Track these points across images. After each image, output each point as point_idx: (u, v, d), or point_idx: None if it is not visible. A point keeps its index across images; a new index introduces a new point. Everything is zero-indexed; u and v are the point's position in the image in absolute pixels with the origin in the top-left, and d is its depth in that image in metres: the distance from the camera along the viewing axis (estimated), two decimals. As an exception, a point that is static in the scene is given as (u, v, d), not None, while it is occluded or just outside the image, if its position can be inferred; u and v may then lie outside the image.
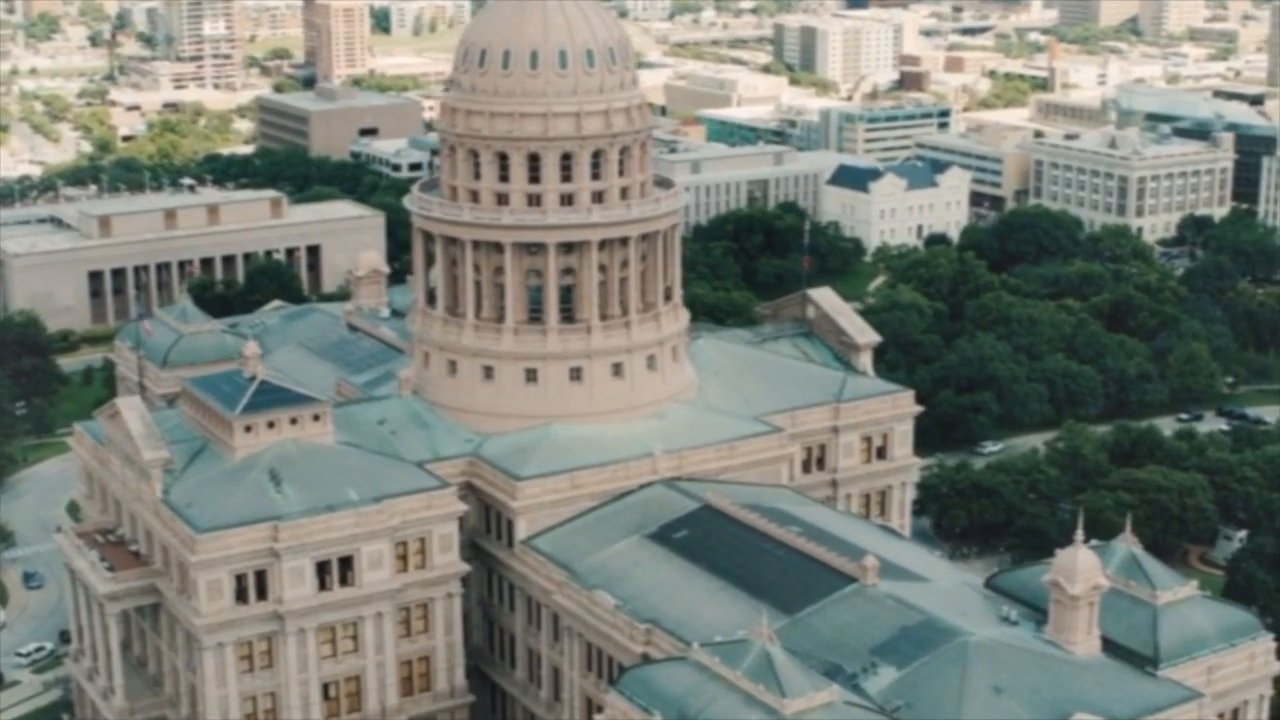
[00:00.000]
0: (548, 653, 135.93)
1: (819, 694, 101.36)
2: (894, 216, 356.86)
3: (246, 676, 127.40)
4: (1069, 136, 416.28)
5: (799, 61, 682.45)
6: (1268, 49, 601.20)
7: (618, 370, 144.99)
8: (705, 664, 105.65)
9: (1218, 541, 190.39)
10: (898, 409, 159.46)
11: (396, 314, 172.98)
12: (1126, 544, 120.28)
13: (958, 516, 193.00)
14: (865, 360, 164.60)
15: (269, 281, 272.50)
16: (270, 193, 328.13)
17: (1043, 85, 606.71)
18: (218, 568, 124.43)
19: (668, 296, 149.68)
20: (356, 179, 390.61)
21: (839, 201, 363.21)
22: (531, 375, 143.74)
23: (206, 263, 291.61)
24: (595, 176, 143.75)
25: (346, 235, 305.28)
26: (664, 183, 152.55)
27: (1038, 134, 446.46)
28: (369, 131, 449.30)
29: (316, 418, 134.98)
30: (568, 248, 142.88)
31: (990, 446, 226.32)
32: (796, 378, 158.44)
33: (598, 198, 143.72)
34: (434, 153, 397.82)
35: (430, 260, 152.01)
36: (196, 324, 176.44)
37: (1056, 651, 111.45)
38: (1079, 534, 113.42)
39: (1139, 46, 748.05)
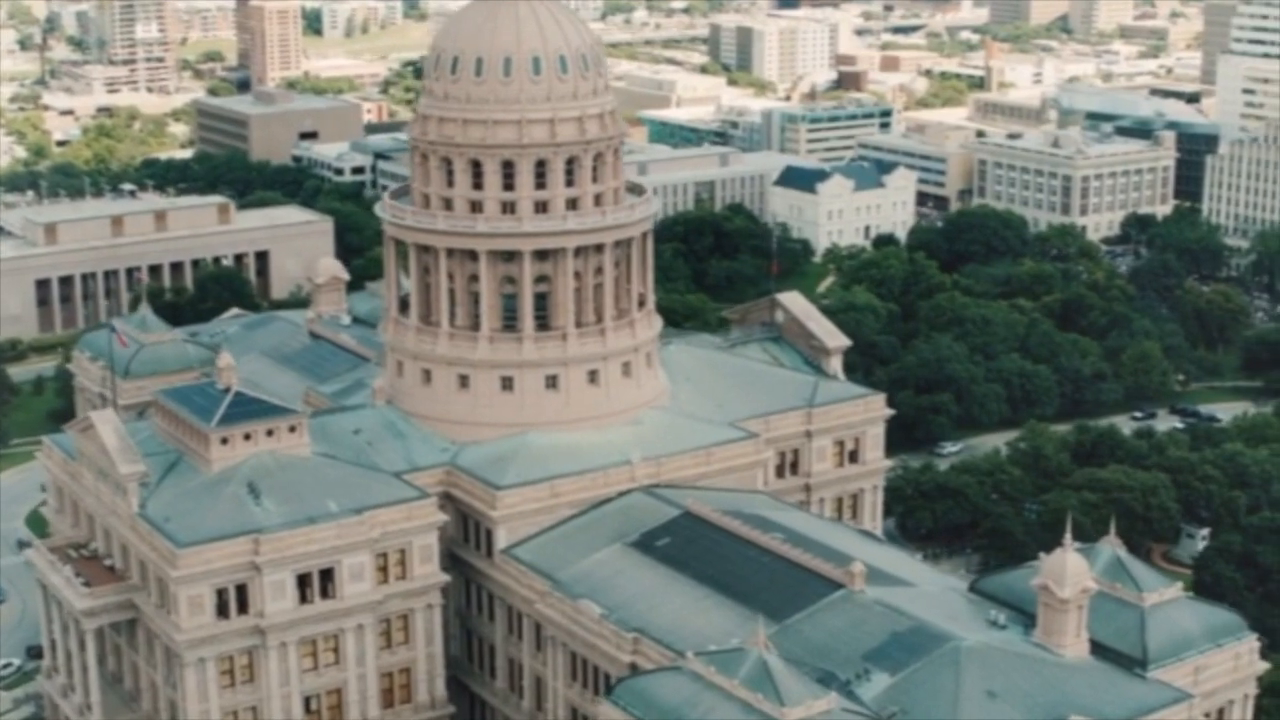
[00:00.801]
0: (529, 662, 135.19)
1: (817, 702, 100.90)
2: (841, 217, 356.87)
3: (228, 691, 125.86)
4: (1011, 136, 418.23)
5: (735, 61, 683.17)
6: (1201, 47, 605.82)
7: (593, 377, 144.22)
8: (700, 673, 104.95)
9: (1181, 540, 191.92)
10: (869, 412, 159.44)
11: (358, 321, 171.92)
12: (1110, 546, 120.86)
13: (923, 518, 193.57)
14: (835, 364, 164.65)
15: (220, 288, 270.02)
16: (217, 198, 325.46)
17: (979, 84, 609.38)
18: (199, 582, 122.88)
19: (641, 303, 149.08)
20: (299, 183, 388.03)
21: (786, 203, 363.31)
22: (507, 383, 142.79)
23: (155, 270, 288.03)
24: (569, 183, 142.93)
25: (295, 241, 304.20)
26: (635, 188, 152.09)
27: (980, 134, 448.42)
28: (309, 135, 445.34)
29: (293, 429, 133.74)
30: (542, 255, 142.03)
31: (950, 447, 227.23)
32: (768, 383, 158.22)
33: (572, 204, 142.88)
34: (377, 156, 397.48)
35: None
36: (158, 333, 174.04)
37: (1047, 655, 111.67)
38: (1067, 537, 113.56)
39: (1070, 45, 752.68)
